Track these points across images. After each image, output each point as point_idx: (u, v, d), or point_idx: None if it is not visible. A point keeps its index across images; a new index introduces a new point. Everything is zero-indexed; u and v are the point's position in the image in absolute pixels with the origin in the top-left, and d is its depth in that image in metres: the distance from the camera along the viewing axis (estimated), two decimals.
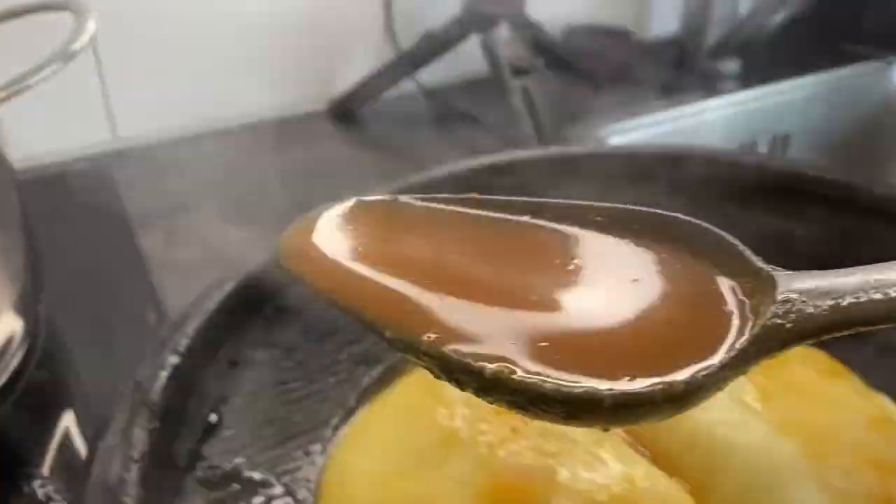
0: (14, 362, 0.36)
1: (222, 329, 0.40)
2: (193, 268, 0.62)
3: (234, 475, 0.37)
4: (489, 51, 0.73)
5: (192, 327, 0.38)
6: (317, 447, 0.40)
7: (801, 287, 0.23)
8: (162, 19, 0.77)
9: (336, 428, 0.40)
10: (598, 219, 0.29)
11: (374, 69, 0.83)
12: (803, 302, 0.23)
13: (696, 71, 0.93)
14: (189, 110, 0.81)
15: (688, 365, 0.22)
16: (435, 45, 0.78)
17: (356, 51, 0.86)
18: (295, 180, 0.73)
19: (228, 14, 0.80)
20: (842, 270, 0.23)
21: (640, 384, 0.22)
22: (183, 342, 0.37)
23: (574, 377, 0.22)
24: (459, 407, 0.36)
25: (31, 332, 0.38)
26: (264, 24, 0.81)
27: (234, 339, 0.41)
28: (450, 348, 0.24)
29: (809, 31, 0.90)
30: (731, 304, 0.24)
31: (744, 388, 0.35)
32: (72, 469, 0.41)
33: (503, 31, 0.73)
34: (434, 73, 0.84)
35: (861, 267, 0.23)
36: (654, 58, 0.95)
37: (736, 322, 0.24)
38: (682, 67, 0.94)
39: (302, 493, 0.37)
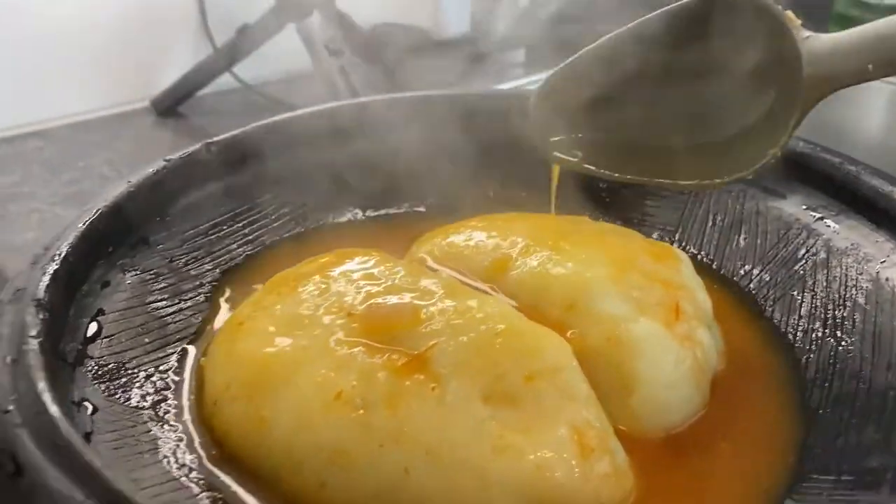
0: None
1: (89, 254, 0.43)
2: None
3: (119, 370, 0.40)
4: (306, 35, 0.79)
5: (64, 244, 0.41)
6: (195, 346, 0.44)
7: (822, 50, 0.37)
8: None
9: (212, 332, 0.45)
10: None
11: (193, 65, 0.86)
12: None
13: (486, 62, 1.04)
14: (11, 112, 0.80)
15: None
16: (252, 38, 0.83)
17: (175, 49, 0.89)
18: (122, 169, 0.75)
19: (46, 19, 0.80)
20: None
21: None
22: (59, 255, 0.40)
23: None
24: (322, 284, 0.41)
25: None
26: (83, 27, 0.83)
27: (104, 264, 0.44)
28: None
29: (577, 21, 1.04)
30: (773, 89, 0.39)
31: (559, 238, 0.44)
32: None
33: (316, 20, 0.80)
34: (256, 70, 0.89)
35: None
36: (451, 53, 1.05)
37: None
38: (475, 60, 1.04)
39: (185, 375, 0.41)
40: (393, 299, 0.39)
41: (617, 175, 0.46)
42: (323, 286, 0.41)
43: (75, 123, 0.83)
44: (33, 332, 0.34)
